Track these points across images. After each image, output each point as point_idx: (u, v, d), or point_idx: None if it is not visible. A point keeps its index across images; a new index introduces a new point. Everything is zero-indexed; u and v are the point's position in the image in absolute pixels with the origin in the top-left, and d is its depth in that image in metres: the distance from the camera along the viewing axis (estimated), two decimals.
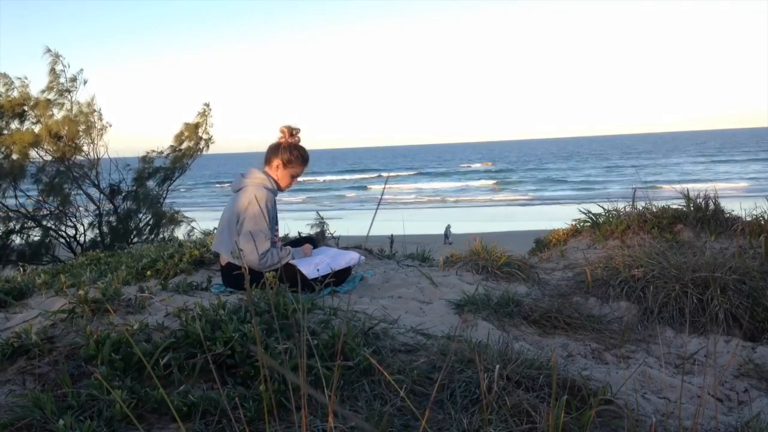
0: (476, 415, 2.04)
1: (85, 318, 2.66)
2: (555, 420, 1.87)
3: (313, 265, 3.66)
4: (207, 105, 11.58)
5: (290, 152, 3.79)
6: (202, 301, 2.90)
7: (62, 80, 10.59)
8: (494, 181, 49.52)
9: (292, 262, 3.69)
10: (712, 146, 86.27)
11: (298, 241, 4.31)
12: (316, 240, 4.53)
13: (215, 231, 4.41)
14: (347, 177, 61.54)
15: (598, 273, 3.96)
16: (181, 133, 11.44)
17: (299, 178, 3.96)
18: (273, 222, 3.78)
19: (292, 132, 3.83)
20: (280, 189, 3.86)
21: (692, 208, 5.03)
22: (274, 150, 3.82)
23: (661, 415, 2.37)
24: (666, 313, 3.50)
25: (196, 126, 11.43)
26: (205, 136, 11.49)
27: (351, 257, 3.86)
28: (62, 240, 10.86)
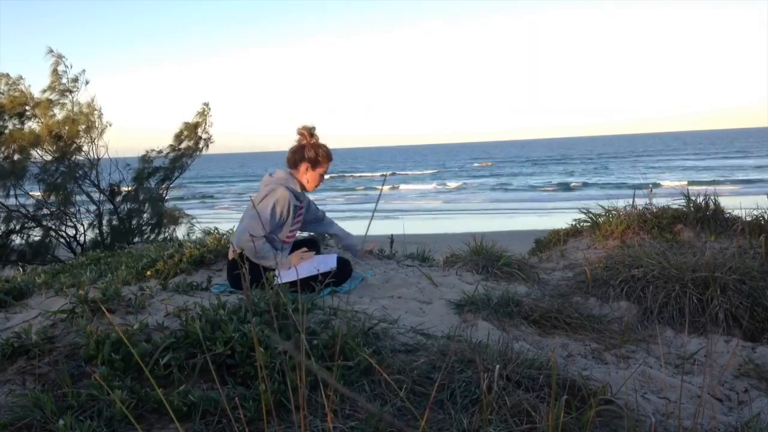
0: (476, 415, 2.04)
1: (85, 318, 2.66)
2: (555, 420, 1.87)
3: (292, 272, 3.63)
4: (206, 105, 11.58)
5: (316, 152, 3.84)
6: (202, 301, 2.90)
7: (64, 81, 10.60)
8: (494, 180, 49.52)
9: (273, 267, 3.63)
10: (714, 145, 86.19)
11: (298, 242, 4.31)
12: (317, 241, 4.51)
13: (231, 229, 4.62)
14: (347, 176, 61.51)
15: (598, 273, 3.96)
16: (181, 133, 11.43)
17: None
18: (282, 222, 3.78)
19: (312, 132, 3.88)
20: (309, 190, 3.95)
21: (692, 208, 5.03)
22: (299, 153, 3.86)
23: (661, 415, 2.37)
24: (666, 313, 3.50)
25: (196, 126, 11.42)
26: (204, 136, 11.48)
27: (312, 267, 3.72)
28: (62, 240, 10.86)
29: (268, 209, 3.69)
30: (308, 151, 3.83)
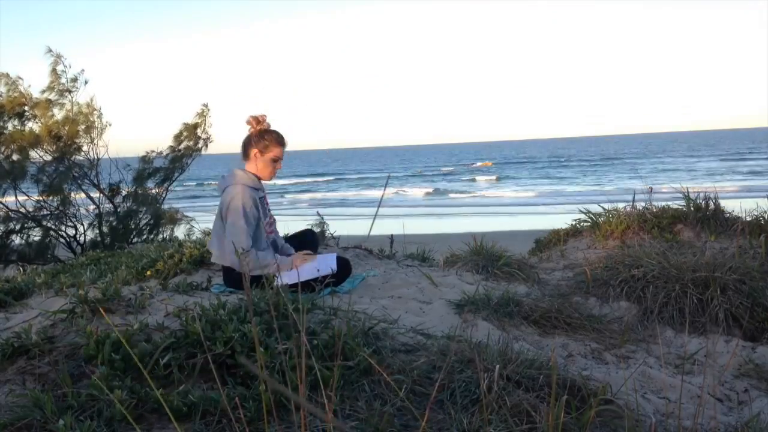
0: (476, 415, 2.04)
1: (85, 318, 2.66)
2: (555, 420, 1.87)
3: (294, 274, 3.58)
4: (206, 105, 11.59)
5: (263, 138, 3.81)
6: (202, 301, 2.90)
7: (63, 81, 10.59)
8: (494, 179, 49.49)
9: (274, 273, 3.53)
10: (712, 146, 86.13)
11: (297, 237, 4.29)
12: (316, 240, 4.50)
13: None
14: (348, 177, 61.49)
15: (598, 273, 3.96)
16: (180, 133, 11.45)
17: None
18: (258, 218, 3.76)
19: (259, 120, 3.84)
20: (264, 179, 3.87)
21: (692, 208, 5.03)
22: (247, 142, 3.85)
23: (661, 415, 2.37)
24: (666, 313, 3.50)
25: (195, 126, 11.44)
26: (204, 136, 11.50)
27: (312, 268, 3.65)
28: (62, 240, 10.86)
29: (241, 218, 3.63)
30: (255, 139, 3.81)
